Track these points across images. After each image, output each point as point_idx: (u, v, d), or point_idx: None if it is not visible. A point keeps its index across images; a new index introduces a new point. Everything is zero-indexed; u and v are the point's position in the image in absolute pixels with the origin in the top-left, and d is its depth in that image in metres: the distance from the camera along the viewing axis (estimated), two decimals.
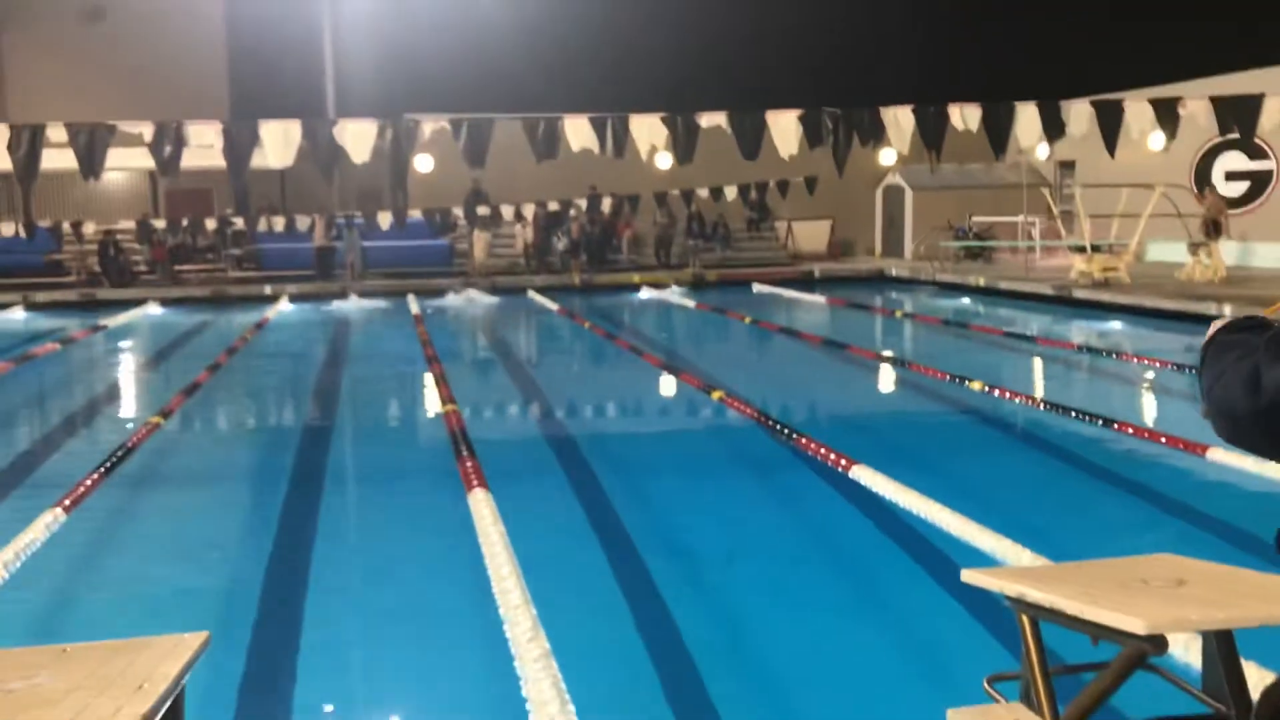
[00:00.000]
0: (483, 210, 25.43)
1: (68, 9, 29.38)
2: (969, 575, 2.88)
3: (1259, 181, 22.46)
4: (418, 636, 4.90)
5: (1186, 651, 3.65)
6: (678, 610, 5.08)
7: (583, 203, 25.76)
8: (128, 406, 12.02)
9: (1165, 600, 2.40)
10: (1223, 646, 2.53)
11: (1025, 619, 2.59)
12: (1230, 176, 23.10)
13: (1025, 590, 2.55)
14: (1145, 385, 11.37)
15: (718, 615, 5.12)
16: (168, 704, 2.26)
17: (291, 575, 5.73)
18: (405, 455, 8.94)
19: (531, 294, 22.95)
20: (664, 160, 13.83)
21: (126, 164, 22.84)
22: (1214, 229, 19.24)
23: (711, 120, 12.42)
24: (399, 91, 29.03)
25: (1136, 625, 2.24)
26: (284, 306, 21.38)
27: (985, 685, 2.84)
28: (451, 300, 22.48)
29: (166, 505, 7.49)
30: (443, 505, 6.71)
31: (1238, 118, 13.15)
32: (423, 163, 23.21)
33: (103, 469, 6.97)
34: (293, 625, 5.03)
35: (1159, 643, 2.26)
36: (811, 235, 29.55)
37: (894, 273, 25.48)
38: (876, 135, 12.77)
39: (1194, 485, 7.10)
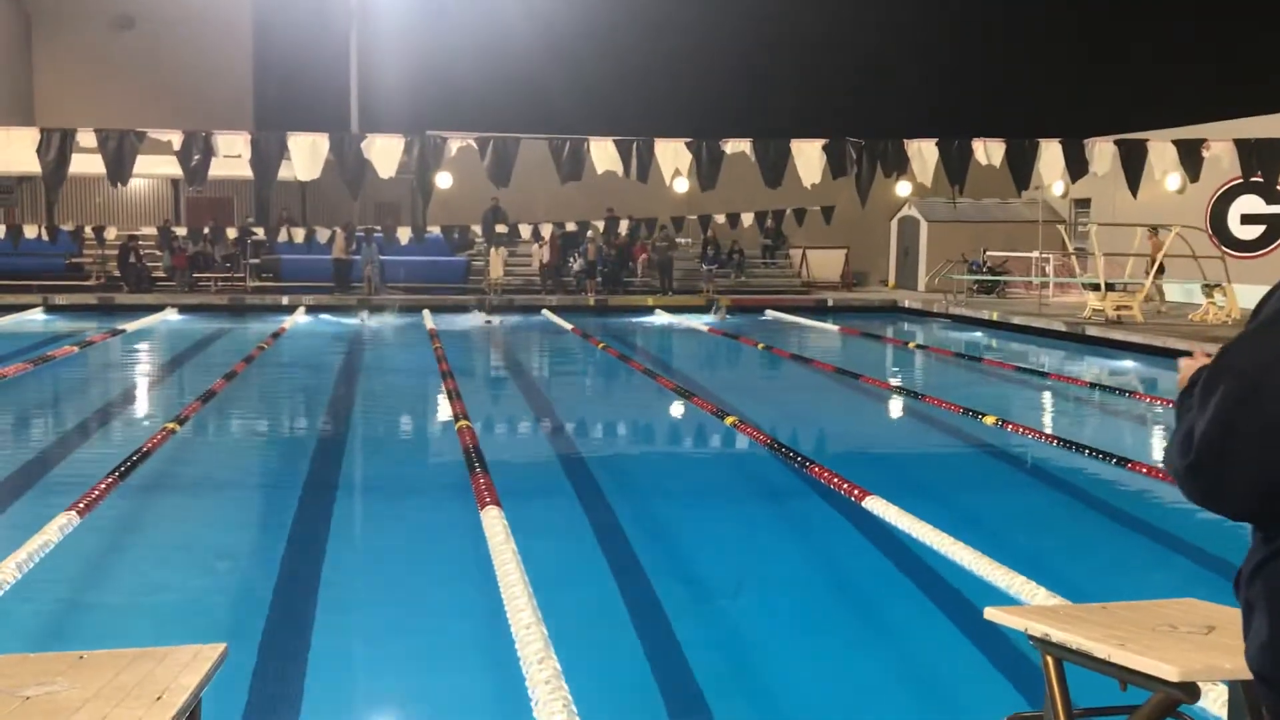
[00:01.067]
0: (500, 228, 25.50)
1: (98, 17, 29.66)
2: (992, 613, 2.86)
3: (1275, 226, 22.41)
4: (427, 652, 4.89)
5: (1216, 701, 3.63)
6: (687, 635, 5.06)
7: (600, 224, 25.83)
8: (143, 412, 12.05)
9: (1196, 647, 2.39)
10: (1251, 697, 2.51)
11: (1050, 660, 2.58)
12: (1245, 220, 23.05)
13: (1050, 630, 2.53)
14: (1156, 424, 11.33)
15: (727, 642, 5.10)
16: (186, 716, 2.25)
17: (302, 586, 5.73)
18: (418, 470, 8.95)
19: (546, 313, 22.98)
20: (681, 184, 13.87)
21: (152, 171, 23.00)
22: (1157, 269, 20.51)
23: (736, 147, 12.46)
24: (424, 108, 29.25)
25: (1169, 672, 2.22)
26: (300, 318, 21.45)
27: None
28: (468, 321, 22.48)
29: (179, 512, 7.50)
30: (455, 521, 6.71)
31: (1261, 161, 13.14)
32: (442, 180, 23.35)
33: (117, 474, 6.98)
34: (302, 637, 5.02)
35: (1192, 690, 2.24)
36: (826, 264, 29.57)
37: (907, 304, 25.47)
38: (900, 167, 12.79)
39: (1203, 525, 7.06)
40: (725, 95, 33.23)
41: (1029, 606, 3.98)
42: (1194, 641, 2.43)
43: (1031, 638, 2.63)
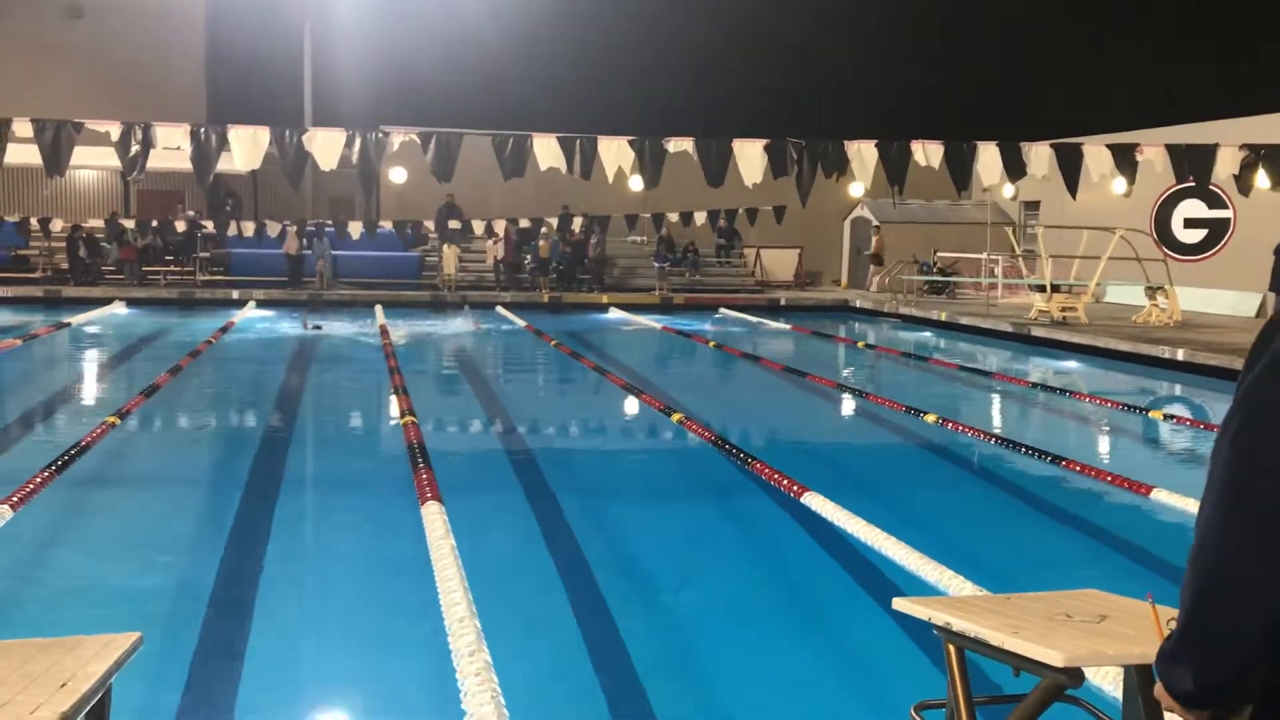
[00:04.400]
0: (454, 225, 25.45)
1: (48, 6, 29.23)
2: (900, 603, 2.95)
3: (1216, 230, 22.88)
4: (363, 644, 4.92)
5: (1116, 686, 3.75)
6: (627, 628, 5.13)
7: (554, 221, 25.84)
8: (85, 406, 11.92)
9: (1085, 634, 2.48)
10: (1143, 682, 2.61)
11: (951, 648, 2.67)
12: (1189, 224, 23.52)
13: (951, 620, 2.62)
14: (1096, 424, 11.55)
15: (664, 635, 5.17)
16: (91, 703, 2.26)
17: (241, 579, 5.73)
18: (362, 465, 8.94)
19: (500, 309, 22.96)
20: (636, 183, 13.96)
21: (97, 163, 22.71)
22: (878, 260, 24.34)
23: (679, 146, 12.55)
24: (377, 103, 29.12)
25: (1055, 658, 2.31)
26: (250, 312, 21.28)
27: (912, 713, 2.91)
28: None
29: (118, 506, 7.45)
30: (397, 516, 6.72)
31: (1193, 166, 13.44)
32: (395, 174, 23.27)
33: (54, 467, 6.93)
34: (239, 629, 5.03)
35: (1075, 675, 2.33)
36: (780, 263, 29.78)
37: (858, 303, 25.70)
38: (840, 167, 12.95)
39: (1137, 523, 7.24)
40: (673, 94, 33.37)
41: (935, 598, 4.08)
42: (1084, 629, 2.52)
43: (935, 627, 2.71)
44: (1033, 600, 2.87)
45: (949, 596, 4.29)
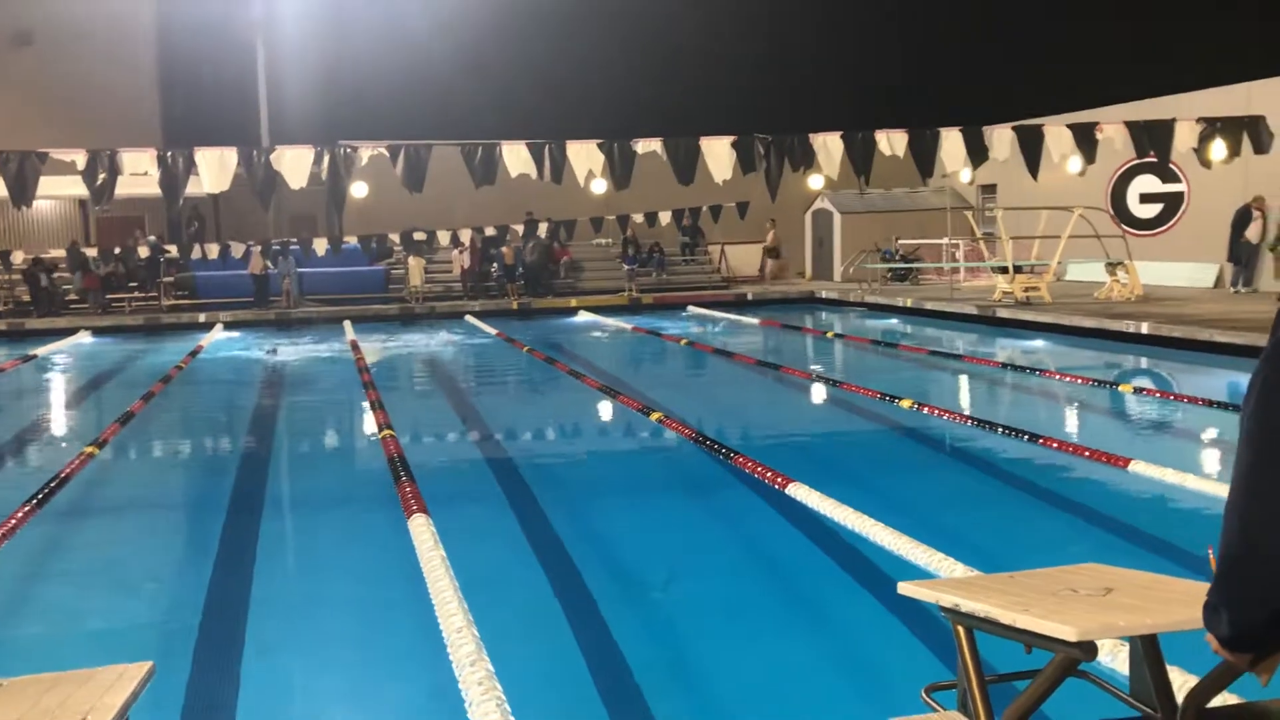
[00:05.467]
0: (419, 235, 25.36)
1: None
2: (905, 587, 2.98)
3: (1171, 204, 23.18)
4: (361, 662, 4.91)
5: (1114, 658, 3.81)
6: (620, 630, 5.14)
7: (519, 228, 25.80)
8: (60, 437, 11.79)
9: (1094, 608, 2.52)
10: (1149, 651, 2.66)
11: (960, 629, 2.70)
12: (1145, 199, 23.81)
13: (959, 601, 2.65)
14: (1068, 401, 11.68)
15: (660, 633, 5.18)
16: None
17: (232, 603, 5.69)
18: (344, 481, 8.90)
19: (469, 318, 22.89)
20: (599, 185, 13.98)
21: (57, 192, 22.45)
22: (774, 254, 27.50)
23: (647, 146, 12.61)
24: (334, 118, 28.94)
25: (1067, 632, 2.35)
26: (219, 334, 21.10)
27: (923, 695, 2.94)
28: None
29: (102, 536, 7.38)
30: (383, 530, 6.71)
31: (1153, 141, 13.65)
32: (357, 189, 23.13)
33: (35, 501, 6.86)
34: (233, 654, 5.00)
35: (1089, 649, 2.37)
36: (744, 259, 29.91)
37: (824, 294, 25.84)
38: (807, 161, 13.05)
39: (1117, 496, 7.34)
40: (636, 95, 33.38)
41: (940, 580, 4.13)
42: (1092, 603, 2.56)
43: (943, 609, 2.74)
44: (1036, 577, 2.91)
45: (953, 578, 4.33)
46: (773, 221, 27.49)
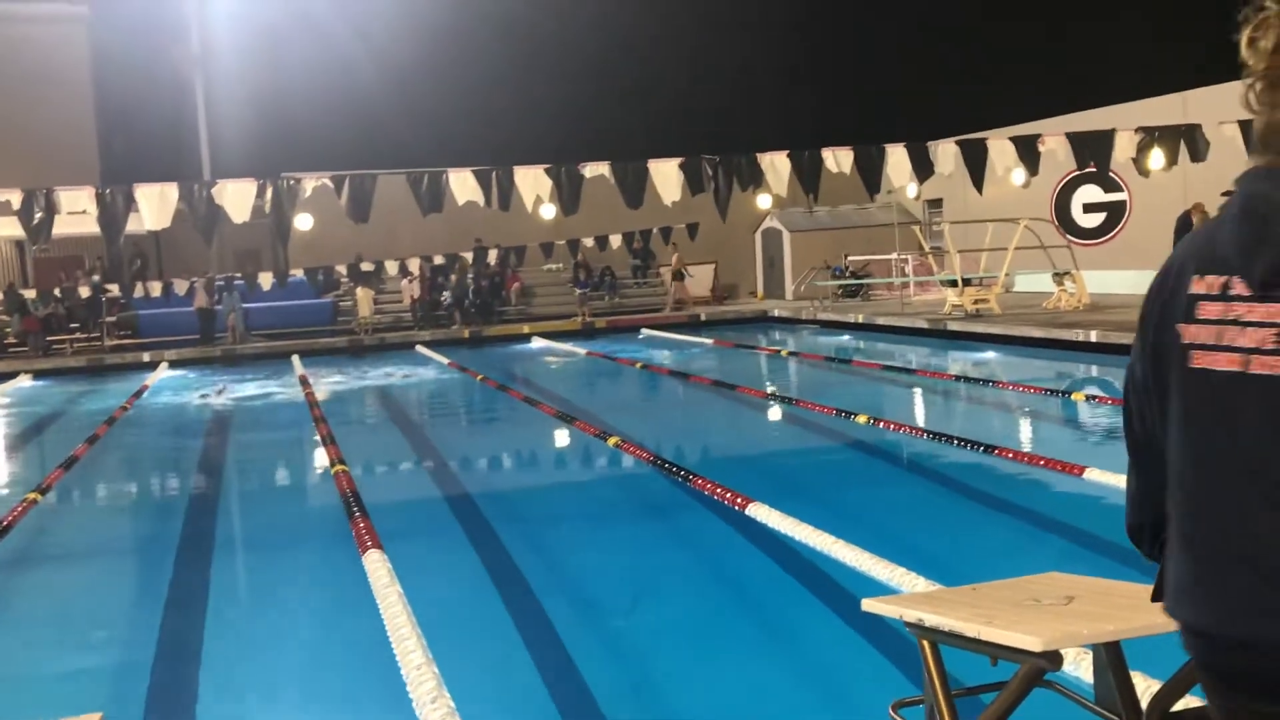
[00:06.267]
0: (366, 266, 25.18)
1: None
2: (869, 604, 2.96)
3: (1114, 213, 23.57)
4: (320, 702, 4.81)
5: (1078, 666, 3.81)
6: (582, 658, 5.07)
7: (468, 256, 25.70)
8: (1, 484, 11.51)
9: (1057, 617, 2.51)
10: (1112, 658, 2.65)
11: (925, 643, 2.67)
12: (1088, 209, 24.20)
13: (923, 615, 2.63)
14: (1021, 411, 11.78)
15: (623, 660, 5.13)
16: None
17: (185, 649, 5.56)
18: (296, 520, 8.75)
19: (420, 349, 22.73)
20: (548, 211, 13.98)
21: None
22: (678, 276, 27.08)
23: (595, 170, 12.60)
24: (276, 152, 28.69)
25: (1032, 643, 2.33)
26: (164, 373, 20.78)
27: (890, 712, 2.92)
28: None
29: (48, 584, 7.19)
30: (337, 568, 6.59)
31: (1094, 152, 13.87)
32: (303, 221, 22.94)
33: None
34: (188, 699, 4.88)
35: (1054, 658, 2.36)
36: (695, 280, 29.98)
37: (777, 313, 25.96)
38: (755, 180, 13.11)
39: (1074, 503, 7.39)
40: (581, 119, 33.44)
41: (904, 595, 4.11)
42: (1055, 612, 2.55)
43: (907, 623, 2.72)
44: (999, 588, 2.90)
45: (917, 593, 4.32)
46: (674, 244, 26.74)
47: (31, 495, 8.65)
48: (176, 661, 5.38)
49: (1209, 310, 1.55)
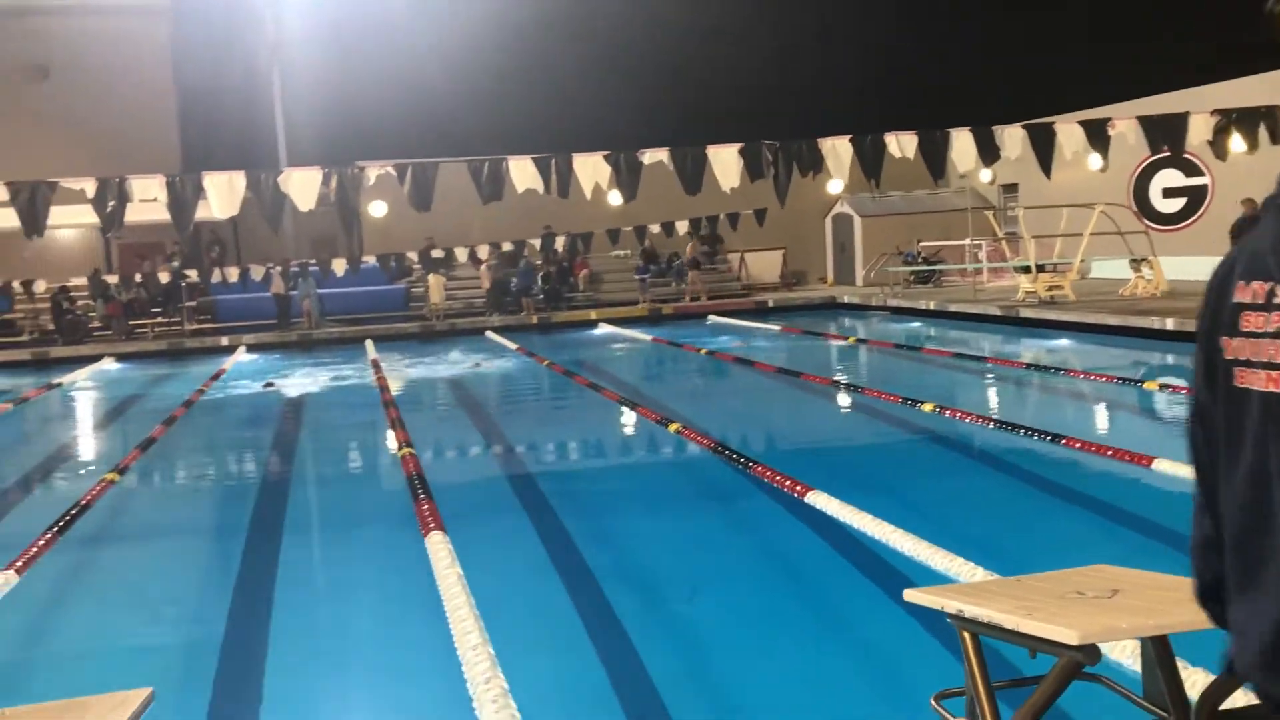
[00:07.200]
0: (437, 253, 25.46)
1: (12, 68, 29.18)
2: (912, 594, 2.95)
3: (1195, 198, 22.97)
4: (378, 680, 4.91)
5: (1134, 660, 3.74)
6: (639, 641, 5.11)
7: (537, 242, 25.85)
8: (82, 464, 11.87)
9: (1099, 610, 2.48)
10: (1160, 653, 2.61)
11: (966, 635, 2.66)
12: (1168, 193, 23.61)
13: (963, 606, 2.62)
14: (1092, 400, 11.57)
15: (678, 645, 5.15)
16: None
17: (253, 626, 5.70)
18: (364, 501, 8.91)
19: (489, 335, 22.96)
20: (615, 198, 13.98)
21: (74, 220, 22.66)
22: (694, 264, 26.35)
23: (654, 157, 12.58)
24: (347, 141, 29.04)
25: (1070, 636, 2.31)
26: (241, 357, 21.25)
27: (933, 703, 2.90)
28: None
29: (123, 562, 7.42)
30: (402, 549, 6.70)
31: (1166, 136, 13.52)
32: (376, 208, 23.30)
33: (56, 529, 6.90)
34: (253, 675, 5.01)
35: (1092, 652, 2.33)
36: (764, 266, 29.83)
37: (846, 299, 25.74)
38: (816, 165, 12.99)
39: (1142, 496, 7.25)
40: (642, 106, 33.34)
41: (946, 586, 4.07)
42: (1097, 605, 2.52)
43: (948, 615, 2.71)
44: (1044, 580, 2.87)
45: (960, 584, 4.28)
46: (691, 234, 26.61)
47: (110, 475, 8.92)
48: (241, 637, 5.53)
49: (1252, 321, 1.37)
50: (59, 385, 17.64)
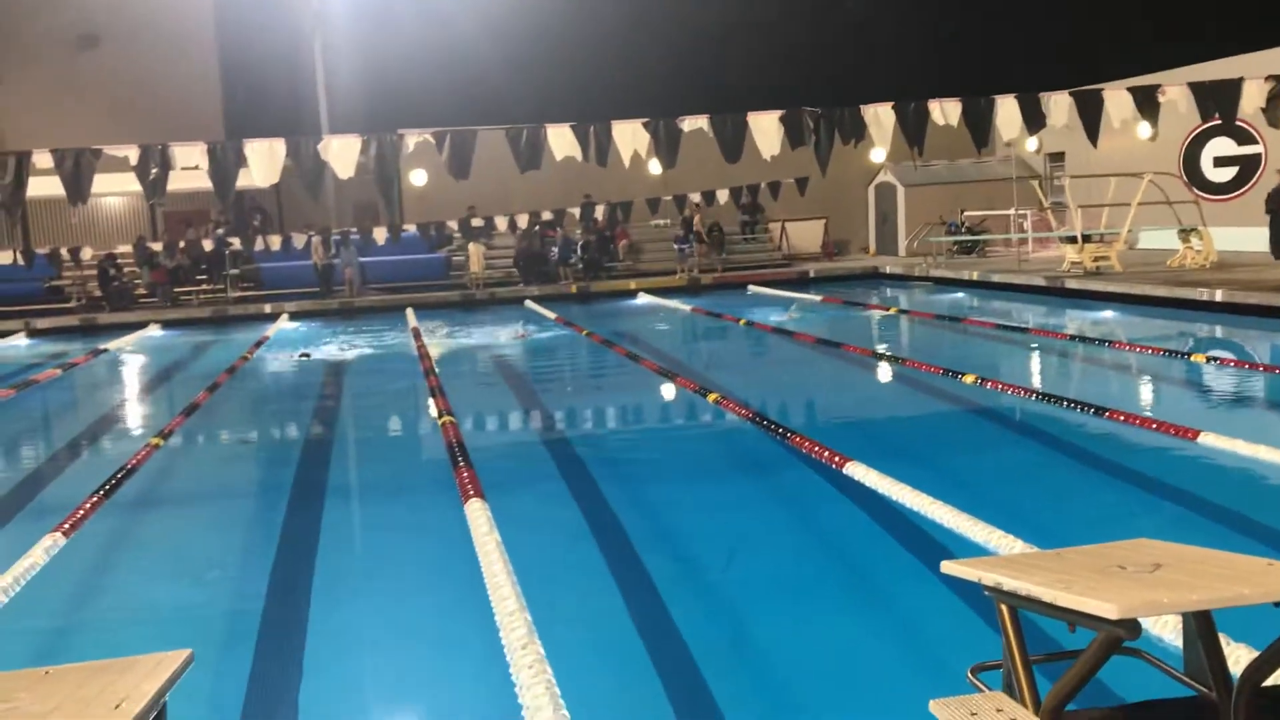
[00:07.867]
0: (477, 222, 25.48)
1: (61, 38, 29.46)
2: (949, 566, 2.92)
3: (1248, 167, 22.49)
4: (416, 646, 4.96)
5: (1178, 635, 3.70)
6: (676, 611, 5.12)
7: (576, 211, 25.80)
8: (128, 429, 12.05)
9: (1139, 584, 2.44)
10: (1201, 627, 2.57)
11: (1004, 608, 2.63)
12: (1219, 162, 23.14)
13: (1001, 579, 2.59)
14: (1138, 372, 11.40)
15: (714, 614, 5.16)
16: None
17: (291, 589, 5.78)
18: (404, 468, 8.98)
19: (529, 304, 23.00)
20: (655, 166, 13.91)
21: (120, 188, 22.90)
22: (700, 239, 25.74)
23: (693, 124, 12.47)
24: (388, 108, 29.11)
25: (1109, 610, 2.27)
26: (284, 324, 21.44)
27: (969, 675, 2.88)
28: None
29: (167, 526, 7.53)
30: (442, 515, 6.75)
31: (1218, 103, 13.21)
32: (417, 177, 23.33)
33: (102, 492, 7.01)
34: (296, 638, 5.08)
35: (1131, 626, 2.29)
36: (805, 235, 29.61)
37: (888, 270, 25.52)
38: (858, 133, 12.82)
39: (1187, 469, 7.15)
40: (681, 72, 33.07)
41: (984, 558, 4.03)
42: (1139, 580, 2.48)
43: (985, 587, 2.68)
44: (1084, 554, 2.83)
45: (998, 556, 4.24)
46: (696, 205, 25.81)
47: (154, 440, 9.05)
48: (283, 601, 5.60)
49: None
50: (105, 351, 17.88)
